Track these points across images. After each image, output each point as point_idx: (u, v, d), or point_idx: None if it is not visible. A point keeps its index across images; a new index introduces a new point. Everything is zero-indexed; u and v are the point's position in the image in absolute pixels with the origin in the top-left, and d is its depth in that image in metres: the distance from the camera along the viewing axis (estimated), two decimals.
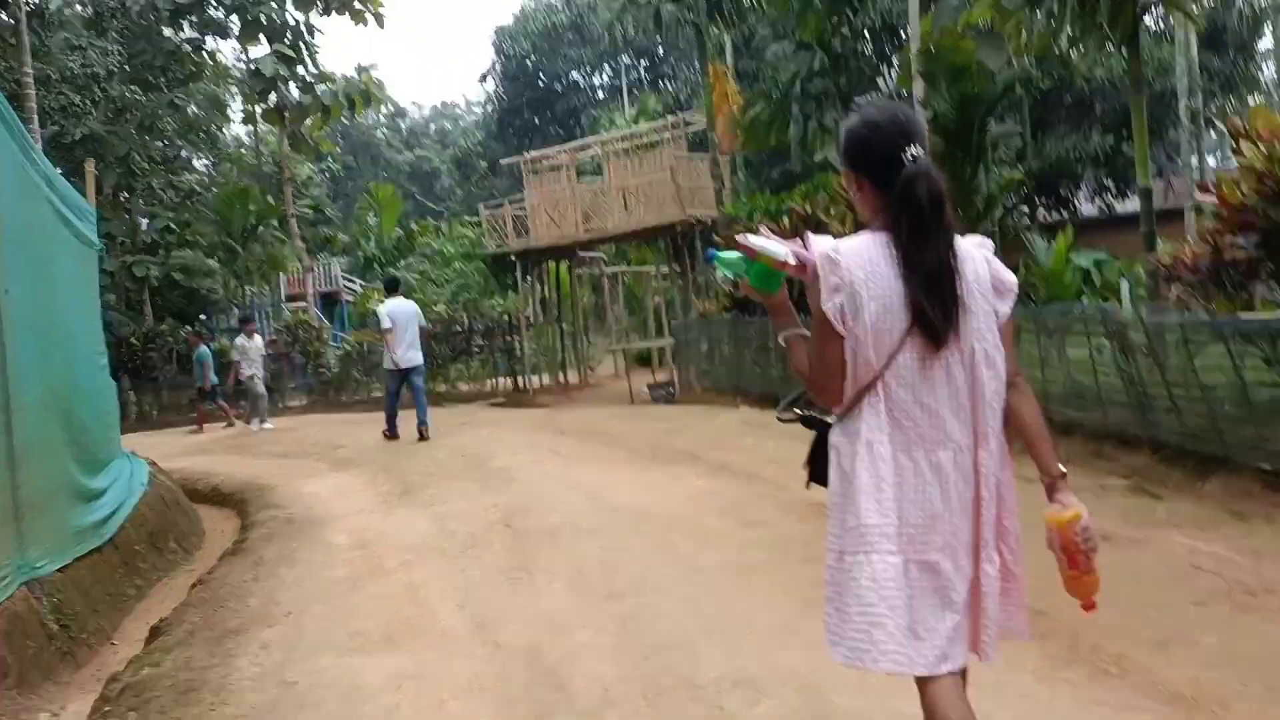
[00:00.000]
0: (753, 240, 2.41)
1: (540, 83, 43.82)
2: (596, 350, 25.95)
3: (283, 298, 34.07)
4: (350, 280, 36.52)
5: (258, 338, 19.08)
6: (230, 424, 18.74)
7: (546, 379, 22.31)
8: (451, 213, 41.52)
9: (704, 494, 7.52)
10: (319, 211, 35.44)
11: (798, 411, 2.68)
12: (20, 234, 5.85)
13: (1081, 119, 23.13)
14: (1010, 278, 2.43)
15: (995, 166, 12.30)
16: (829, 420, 2.46)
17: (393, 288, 13.54)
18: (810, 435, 2.64)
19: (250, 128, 30.12)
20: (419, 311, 13.06)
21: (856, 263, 2.27)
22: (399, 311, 12.58)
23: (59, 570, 5.64)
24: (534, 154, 22.45)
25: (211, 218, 25.59)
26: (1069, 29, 8.79)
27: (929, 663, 2.26)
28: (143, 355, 23.72)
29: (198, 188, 26.91)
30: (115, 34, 21.27)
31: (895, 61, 15.88)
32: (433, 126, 64.57)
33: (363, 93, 24.84)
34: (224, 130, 33.84)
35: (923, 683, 2.29)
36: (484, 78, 45.39)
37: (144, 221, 24.54)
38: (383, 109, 57.04)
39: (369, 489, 9.72)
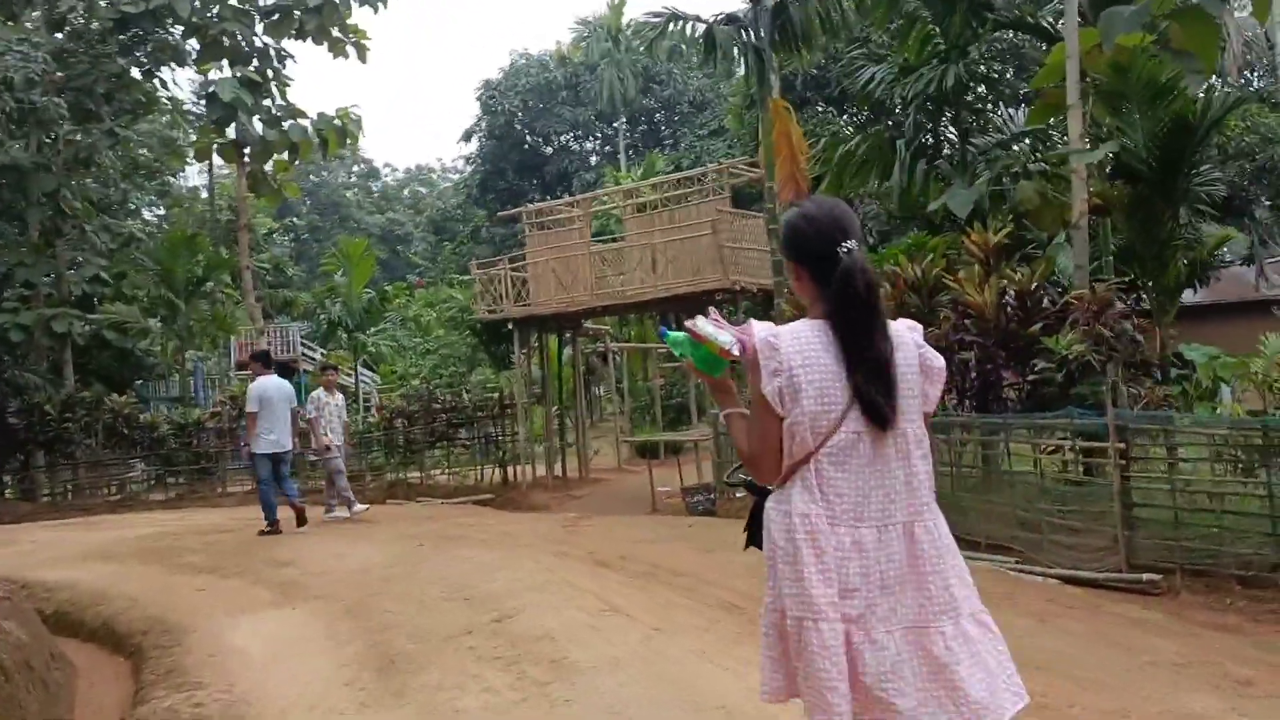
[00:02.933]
0: (700, 326, 2.51)
1: (527, 144, 40.91)
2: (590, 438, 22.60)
3: (232, 365, 30.67)
4: (310, 348, 33.09)
5: (339, 394, 13.81)
6: None
7: (540, 470, 18.79)
8: (428, 279, 38.27)
9: None
10: (279, 271, 32.08)
11: (741, 477, 2.79)
12: None
13: None
14: (940, 362, 2.51)
15: (1201, 221, 9.16)
16: (770, 488, 2.55)
17: (266, 362, 12.61)
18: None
19: (205, 170, 26.70)
20: (293, 393, 12.37)
21: (795, 348, 2.40)
22: (272, 390, 11.81)
23: None
24: (538, 205, 19.22)
25: (152, 268, 21.84)
26: None
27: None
28: (59, 426, 20.11)
29: (139, 234, 23.17)
30: (45, 45, 17.74)
31: (1025, 90, 12.91)
32: (406, 191, 61.89)
33: (339, 130, 21.46)
34: (177, 177, 30.39)
35: None
36: (468, 136, 42.49)
37: (71, 271, 20.77)
38: (354, 169, 54.28)
39: (327, 653, 6.45)
